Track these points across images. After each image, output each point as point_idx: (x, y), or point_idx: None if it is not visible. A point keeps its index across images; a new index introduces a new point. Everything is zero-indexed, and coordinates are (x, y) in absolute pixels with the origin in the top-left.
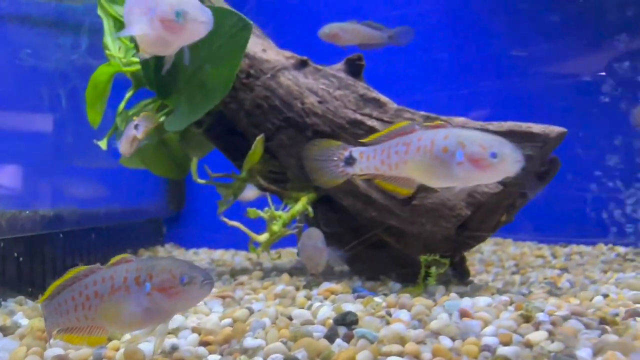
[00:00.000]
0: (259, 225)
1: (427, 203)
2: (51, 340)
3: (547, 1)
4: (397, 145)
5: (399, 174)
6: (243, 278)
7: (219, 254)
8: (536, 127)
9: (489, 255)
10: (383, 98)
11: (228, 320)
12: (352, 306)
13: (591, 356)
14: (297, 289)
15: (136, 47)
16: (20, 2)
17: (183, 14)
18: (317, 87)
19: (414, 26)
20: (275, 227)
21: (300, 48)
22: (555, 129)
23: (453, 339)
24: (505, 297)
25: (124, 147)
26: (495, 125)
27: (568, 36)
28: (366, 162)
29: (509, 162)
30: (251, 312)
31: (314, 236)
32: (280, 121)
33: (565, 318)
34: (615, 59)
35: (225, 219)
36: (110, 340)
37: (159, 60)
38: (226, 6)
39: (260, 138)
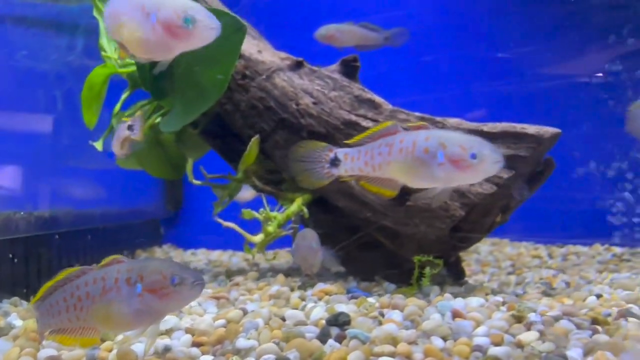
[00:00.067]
0: (256, 226)
1: (421, 204)
2: (44, 342)
3: (545, 2)
4: (380, 146)
5: (382, 175)
6: (239, 279)
7: (216, 254)
8: (530, 128)
9: (485, 255)
10: (378, 99)
11: (222, 321)
12: (345, 307)
13: (581, 356)
14: (292, 289)
15: (123, 51)
16: (15, 3)
17: (192, 20)
18: (312, 88)
19: (411, 27)
20: (271, 228)
21: (297, 49)
22: (549, 130)
23: (445, 340)
24: (498, 298)
25: (116, 148)
26: (489, 126)
27: (566, 37)
28: (350, 163)
29: (489, 162)
30: (245, 312)
31: (309, 237)
32: (276, 122)
33: (556, 318)
34: (614, 60)
35: (220, 220)
36: (103, 341)
37: (154, 62)
38: (221, 6)
39: (255, 139)
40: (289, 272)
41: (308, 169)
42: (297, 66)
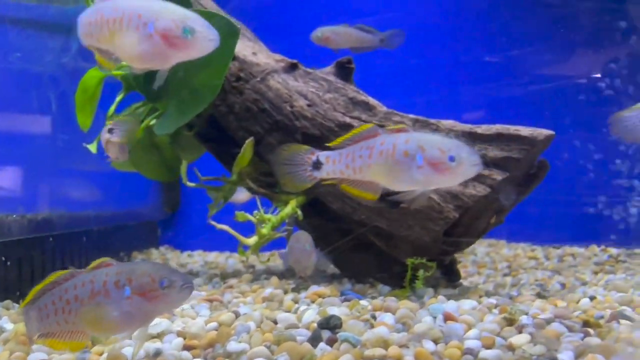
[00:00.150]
0: (251, 228)
1: (415, 205)
2: (34, 346)
3: (544, 4)
4: (361, 149)
5: (362, 177)
6: (233, 281)
7: (213, 256)
8: (524, 130)
9: (482, 256)
10: (372, 101)
11: (213, 324)
12: (337, 310)
13: (573, 359)
14: (286, 292)
15: (103, 59)
16: (9, 4)
17: (191, 31)
18: (307, 90)
19: (408, 29)
20: (264, 230)
21: (292, 51)
22: (543, 132)
23: (436, 343)
24: (492, 300)
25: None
26: (483, 128)
27: (564, 37)
28: (332, 166)
29: (467, 165)
30: (237, 315)
31: (302, 239)
32: (270, 124)
33: (548, 321)
34: (612, 61)
35: (214, 222)
36: (94, 344)
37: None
38: (216, 8)
39: (249, 141)
40: (284, 274)
41: (291, 172)
42: (291, 68)
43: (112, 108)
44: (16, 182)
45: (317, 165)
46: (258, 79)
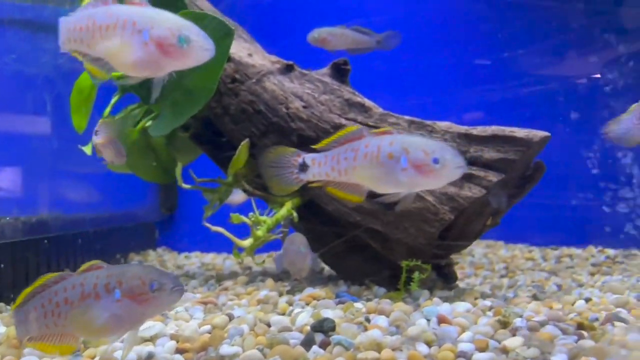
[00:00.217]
0: (247, 230)
1: (410, 207)
2: (26, 349)
3: (543, 5)
4: (347, 151)
5: (348, 180)
6: (228, 283)
7: (210, 257)
8: (519, 132)
9: (479, 257)
10: (368, 102)
11: (207, 327)
12: (331, 312)
13: None
14: (281, 294)
15: (93, 68)
16: (4, 5)
17: (187, 40)
18: (303, 91)
19: (406, 30)
20: (260, 232)
21: (289, 52)
22: (538, 134)
23: (429, 345)
24: (487, 302)
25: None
26: (479, 129)
27: (563, 39)
28: (318, 168)
29: (451, 167)
30: (231, 318)
31: (297, 241)
32: (265, 126)
33: (542, 324)
34: (611, 62)
35: (208, 225)
36: (86, 347)
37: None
38: (212, 8)
39: (245, 143)
40: (280, 276)
41: (278, 174)
42: (287, 69)
43: (108, 110)
44: (10, 184)
45: (303, 167)
46: (254, 80)
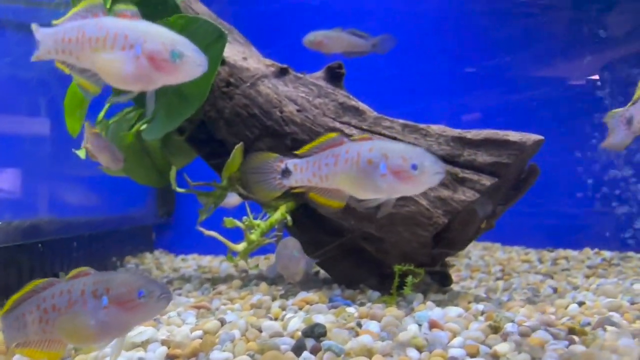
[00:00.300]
0: (241, 233)
1: (404, 211)
2: (15, 356)
3: (542, 8)
4: (327, 157)
5: (329, 185)
6: (222, 287)
7: (207, 260)
8: (513, 135)
9: (476, 260)
10: (362, 106)
11: (198, 332)
12: (324, 317)
13: None
14: (274, 298)
15: (84, 83)
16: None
17: (180, 55)
18: (297, 95)
19: (405, 33)
20: (254, 236)
21: (285, 55)
22: (531, 137)
23: (420, 351)
24: (479, 306)
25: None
26: (472, 133)
27: (562, 41)
28: (300, 174)
29: (429, 173)
30: (223, 323)
31: (290, 245)
32: (260, 130)
33: (533, 328)
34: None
35: (202, 229)
36: (77, 354)
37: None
38: (207, 11)
39: (239, 147)
40: (275, 280)
41: (260, 180)
42: (281, 73)
43: (102, 114)
44: (4, 188)
45: (286, 173)
46: (248, 84)
